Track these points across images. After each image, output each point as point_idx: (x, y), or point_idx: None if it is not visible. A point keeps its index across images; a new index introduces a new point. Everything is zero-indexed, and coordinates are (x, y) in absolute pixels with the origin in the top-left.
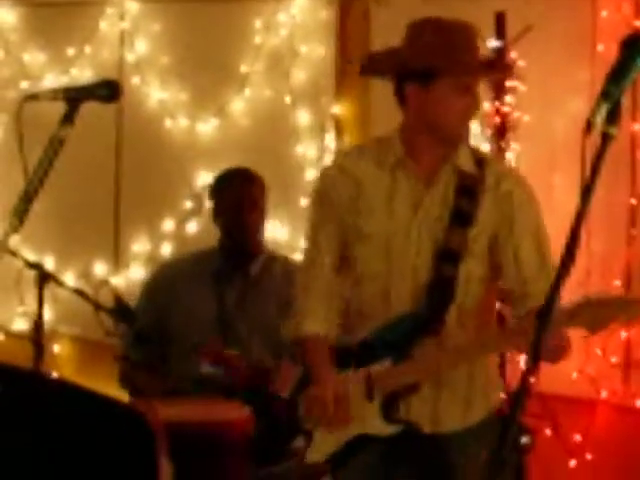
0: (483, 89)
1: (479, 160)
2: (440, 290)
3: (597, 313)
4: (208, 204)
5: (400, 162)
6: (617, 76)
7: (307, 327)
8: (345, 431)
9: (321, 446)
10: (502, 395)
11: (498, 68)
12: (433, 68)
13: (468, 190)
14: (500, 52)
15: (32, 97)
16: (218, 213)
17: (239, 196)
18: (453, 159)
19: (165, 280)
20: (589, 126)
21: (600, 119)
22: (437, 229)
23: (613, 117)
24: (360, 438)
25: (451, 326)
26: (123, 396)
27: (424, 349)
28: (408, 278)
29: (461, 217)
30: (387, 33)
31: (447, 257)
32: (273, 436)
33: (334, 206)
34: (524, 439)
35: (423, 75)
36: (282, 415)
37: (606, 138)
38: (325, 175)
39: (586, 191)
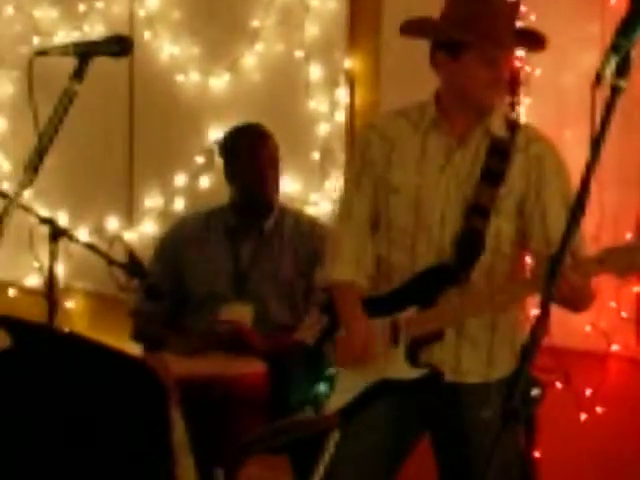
0: None
1: (512, 125)
2: (469, 241)
3: (626, 258)
4: (219, 159)
5: (434, 123)
6: (627, 29)
7: (338, 273)
8: (367, 376)
9: (343, 393)
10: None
11: (528, 41)
12: (460, 41)
13: (499, 151)
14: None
15: (42, 53)
16: (234, 172)
17: (257, 154)
18: (486, 122)
19: (179, 237)
20: (598, 79)
21: (610, 72)
22: (466, 185)
23: (622, 70)
24: (382, 383)
25: (480, 281)
26: (136, 351)
27: (450, 298)
28: (435, 231)
29: (491, 175)
30: None
31: (476, 211)
32: (296, 384)
33: (369, 164)
34: (534, 391)
35: (451, 46)
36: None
37: (615, 91)
38: (362, 134)
39: (595, 144)
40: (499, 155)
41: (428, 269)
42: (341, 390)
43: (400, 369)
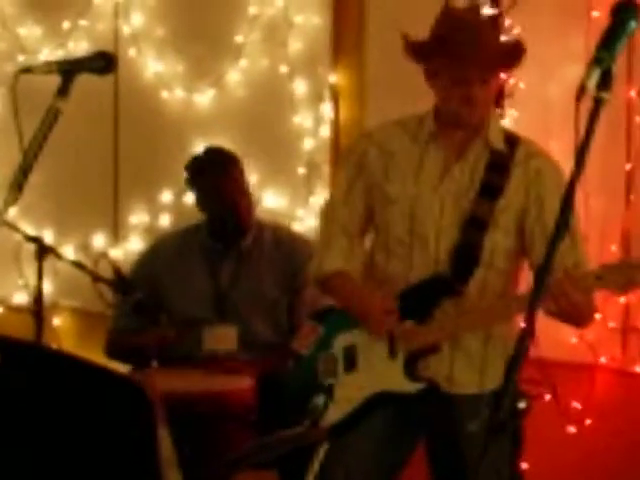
0: None
1: (511, 139)
2: (466, 254)
3: (625, 274)
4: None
5: (432, 136)
6: (608, 42)
7: (329, 264)
8: (365, 388)
9: (341, 404)
10: None
11: (503, 62)
12: (432, 65)
13: (498, 165)
14: (494, 19)
15: (26, 70)
16: (204, 205)
17: (221, 186)
18: (484, 135)
19: (155, 260)
20: (582, 91)
21: (593, 84)
22: (464, 199)
23: (605, 82)
24: (380, 395)
25: (473, 294)
26: (122, 369)
27: (445, 311)
28: (431, 244)
29: (489, 189)
30: (382, 2)
31: (474, 224)
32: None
33: (365, 172)
34: (521, 404)
35: (426, 69)
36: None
37: (598, 103)
38: (359, 143)
39: (579, 155)
40: (498, 169)
41: (424, 281)
42: (339, 401)
43: (398, 382)
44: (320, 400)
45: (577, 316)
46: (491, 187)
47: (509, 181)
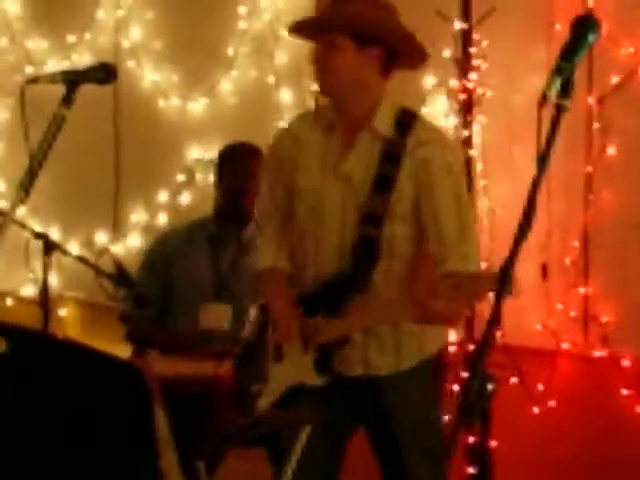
0: (450, 68)
1: (404, 124)
2: (364, 250)
3: (473, 286)
4: (200, 176)
5: (331, 125)
6: (569, 53)
7: (261, 262)
8: (289, 379)
9: (270, 393)
10: (442, 343)
11: (341, 29)
12: None
13: (391, 155)
14: (465, 33)
15: (33, 80)
16: (222, 180)
17: (242, 167)
18: (369, 123)
19: (164, 249)
20: (544, 99)
21: (554, 93)
22: (360, 192)
23: (566, 91)
24: (298, 387)
25: (379, 284)
26: (123, 354)
27: (353, 306)
28: (335, 237)
29: (383, 182)
30: None
31: (370, 220)
32: (251, 377)
33: (281, 165)
34: (490, 386)
35: None
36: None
37: (560, 110)
38: (275, 138)
39: (542, 159)
40: (391, 159)
41: (331, 277)
42: (268, 391)
43: (308, 375)
44: (256, 388)
45: (441, 322)
46: (384, 179)
47: (400, 172)
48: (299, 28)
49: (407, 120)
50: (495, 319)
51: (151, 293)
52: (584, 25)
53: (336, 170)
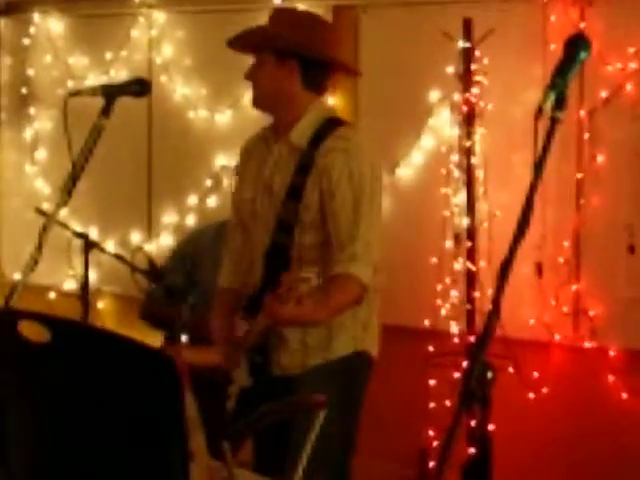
0: (453, 83)
1: (319, 136)
2: (275, 256)
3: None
4: (226, 181)
5: (270, 141)
6: (562, 69)
7: (219, 281)
8: (239, 382)
9: (231, 395)
10: (357, 346)
11: (258, 46)
12: None
13: (303, 166)
14: (467, 51)
15: (75, 93)
16: None
17: None
18: (286, 137)
19: (194, 245)
20: (540, 112)
21: (549, 106)
22: (276, 202)
23: (560, 104)
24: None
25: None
26: (156, 344)
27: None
28: (262, 243)
29: (294, 191)
30: (372, 36)
31: (283, 227)
32: None
33: (237, 179)
34: (489, 374)
35: None
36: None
37: (554, 122)
38: (240, 151)
39: (538, 166)
40: (303, 170)
41: (256, 283)
42: (229, 393)
43: (244, 377)
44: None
45: (302, 324)
46: (296, 189)
47: (307, 181)
48: (231, 43)
49: (324, 132)
50: (495, 313)
51: (177, 280)
52: (576, 44)
53: (263, 181)
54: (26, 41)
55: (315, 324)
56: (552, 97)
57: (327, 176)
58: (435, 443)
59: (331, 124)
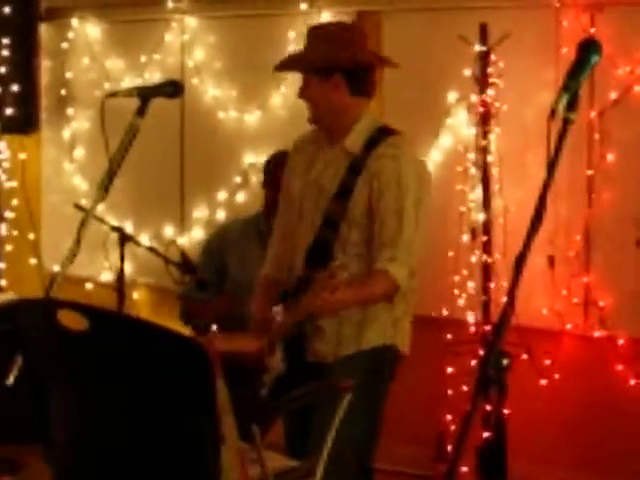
0: (470, 85)
1: (372, 142)
2: (319, 250)
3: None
4: (254, 178)
5: (319, 142)
6: (575, 72)
7: (262, 271)
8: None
9: (267, 382)
10: (387, 339)
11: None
12: None
13: (354, 169)
14: (483, 55)
15: (112, 95)
16: (267, 182)
17: (277, 181)
18: (341, 143)
19: (221, 239)
20: (553, 113)
21: (562, 107)
22: (325, 200)
23: (572, 105)
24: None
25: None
26: (188, 332)
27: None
28: (307, 238)
29: (344, 191)
30: (394, 40)
31: (329, 223)
32: None
33: (287, 173)
34: (505, 361)
35: None
36: None
37: (566, 122)
38: (289, 151)
39: (551, 165)
40: (353, 173)
41: (297, 276)
42: (266, 380)
43: (278, 364)
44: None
45: (335, 309)
46: (346, 188)
47: (358, 182)
48: (279, 68)
49: (376, 138)
50: (510, 303)
51: (208, 276)
52: (588, 48)
53: (313, 179)
54: (65, 45)
55: (343, 308)
56: (565, 99)
57: (377, 180)
58: (452, 427)
59: (383, 132)
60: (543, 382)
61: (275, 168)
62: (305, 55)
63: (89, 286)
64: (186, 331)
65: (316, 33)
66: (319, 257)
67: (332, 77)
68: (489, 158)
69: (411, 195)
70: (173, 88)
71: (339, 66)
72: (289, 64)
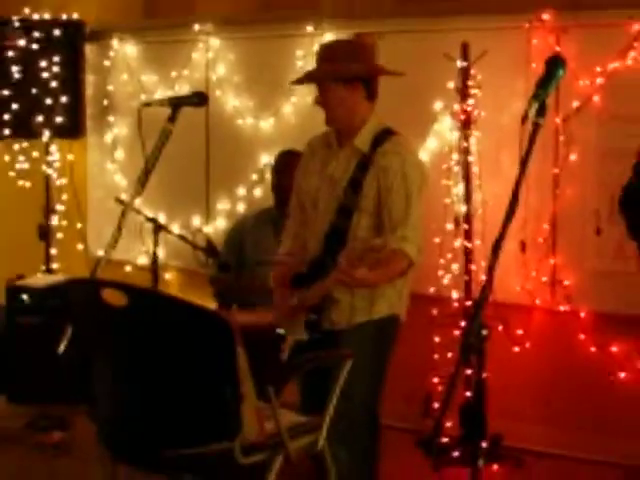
0: (453, 95)
1: (378, 141)
2: (335, 236)
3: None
4: (269, 176)
5: (331, 143)
6: (543, 83)
7: (281, 246)
8: (294, 335)
9: (286, 347)
10: (393, 310)
11: (328, 75)
12: None
13: (363, 164)
14: (465, 69)
15: (147, 104)
16: (273, 177)
17: (287, 168)
18: (352, 141)
19: (239, 230)
20: (525, 118)
21: (532, 113)
22: (338, 192)
23: (541, 112)
24: (299, 341)
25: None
26: (212, 307)
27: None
28: (323, 225)
29: (354, 184)
30: (387, 57)
31: (343, 212)
32: None
33: (301, 169)
34: (484, 332)
35: None
36: None
37: (536, 126)
38: (303, 150)
39: (523, 163)
40: (362, 167)
41: (313, 258)
42: (285, 346)
43: (301, 332)
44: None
45: (360, 286)
46: (355, 182)
47: (367, 176)
48: (299, 81)
49: (381, 138)
50: (489, 282)
51: (230, 260)
52: (555, 63)
53: (327, 174)
54: (107, 62)
55: (369, 286)
56: (535, 106)
57: (384, 174)
58: (439, 388)
59: (386, 133)
60: (516, 349)
61: (278, 166)
62: (331, 67)
63: (128, 268)
64: (211, 306)
65: (335, 48)
66: (335, 242)
67: (354, 85)
68: (470, 158)
69: (414, 184)
70: (199, 99)
71: (360, 76)
72: (314, 76)
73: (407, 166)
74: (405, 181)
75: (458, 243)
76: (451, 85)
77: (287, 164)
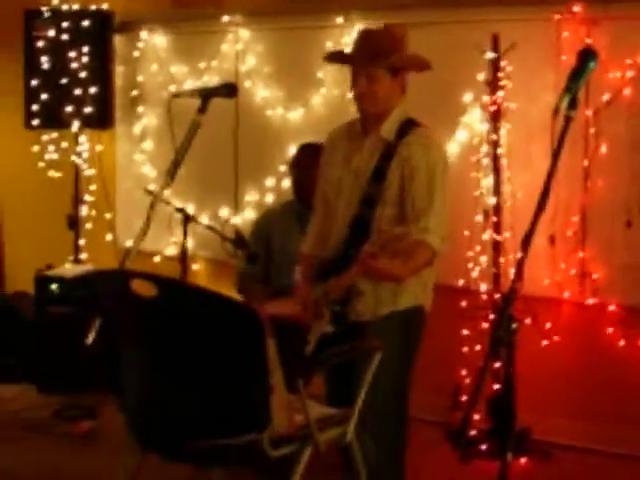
0: (483, 87)
1: (402, 131)
2: (359, 226)
3: (395, 243)
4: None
5: (354, 133)
6: (575, 76)
7: (303, 247)
8: (319, 330)
9: (311, 340)
10: (417, 301)
11: (345, 60)
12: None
13: (387, 154)
14: (495, 61)
15: (177, 95)
16: (293, 170)
17: (306, 166)
18: (377, 131)
19: (266, 222)
20: (556, 111)
21: (564, 106)
22: (362, 182)
23: (572, 104)
24: (324, 335)
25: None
26: (241, 298)
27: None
28: (346, 216)
29: (378, 174)
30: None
31: (367, 203)
32: None
33: (324, 161)
34: (513, 325)
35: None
36: None
37: (568, 119)
38: (325, 141)
39: (554, 156)
40: (386, 158)
41: (335, 248)
42: (310, 339)
43: (326, 325)
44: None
45: (382, 278)
46: (380, 172)
47: (390, 166)
48: (336, 58)
49: (406, 128)
50: (518, 275)
51: (257, 251)
52: (587, 56)
53: (351, 165)
54: (136, 53)
55: (395, 280)
56: (566, 99)
57: (408, 164)
58: (467, 380)
59: (411, 123)
60: (545, 343)
61: (298, 159)
62: (381, 50)
63: (156, 259)
64: (239, 298)
65: (380, 35)
66: (359, 232)
67: (399, 76)
68: (499, 150)
69: (438, 175)
70: (229, 90)
71: (406, 68)
72: (363, 57)
73: (430, 157)
74: (428, 171)
75: (487, 235)
76: (481, 77)
77: (306, 158)
